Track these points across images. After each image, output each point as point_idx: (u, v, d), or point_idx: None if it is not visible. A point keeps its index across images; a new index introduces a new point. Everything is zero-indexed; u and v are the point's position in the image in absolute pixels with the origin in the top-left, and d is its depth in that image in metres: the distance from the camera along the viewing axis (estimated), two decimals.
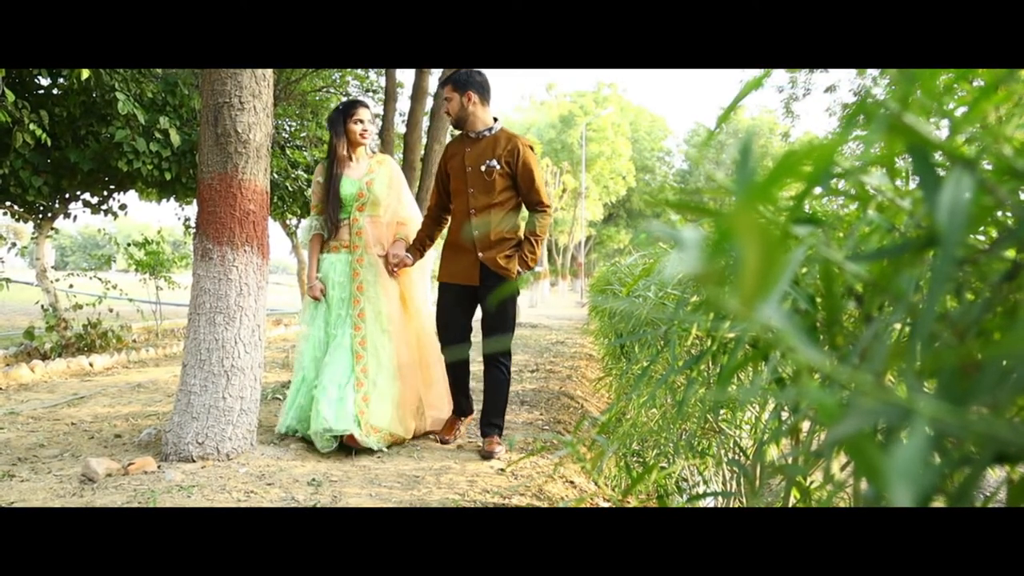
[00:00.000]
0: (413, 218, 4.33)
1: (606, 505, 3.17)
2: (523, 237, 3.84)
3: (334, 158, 4.12)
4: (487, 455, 3.73)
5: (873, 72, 14.10)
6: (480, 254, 3.80)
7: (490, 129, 3.86)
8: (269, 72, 3.76)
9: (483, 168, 3.77)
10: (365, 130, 4.13)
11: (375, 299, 4.06)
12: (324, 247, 4.20)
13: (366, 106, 4.15)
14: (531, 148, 3.86)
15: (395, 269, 4.13)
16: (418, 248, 4.18)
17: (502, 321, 3.88)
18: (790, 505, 1.00)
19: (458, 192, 3.89)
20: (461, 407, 4.20)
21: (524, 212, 3.99)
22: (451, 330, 3.99)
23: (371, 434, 3.80)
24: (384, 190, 4.19)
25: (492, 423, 3.91)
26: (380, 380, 3.95)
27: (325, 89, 11.79)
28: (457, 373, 4.11)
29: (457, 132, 4.04)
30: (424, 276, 4.43)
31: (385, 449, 3.84)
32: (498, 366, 3.93)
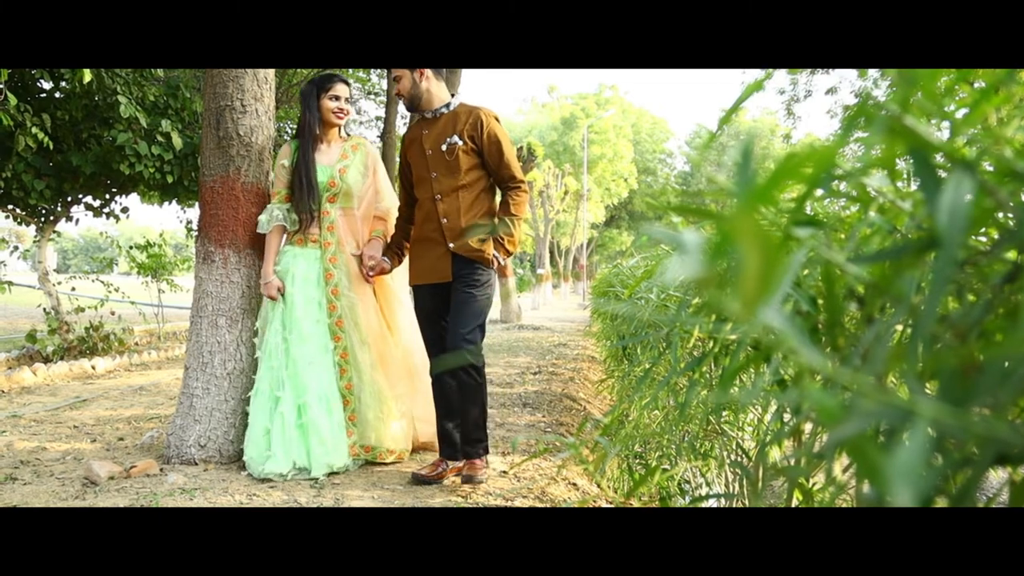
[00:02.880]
0: (390, 211, 3.84)
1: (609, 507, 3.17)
2: (497, 219, 3.34)
3: (307, 139, 3.56)
4: (468, 479, 3.20)
5: (874, 74, 14.10)
6: (450, 244, 3.28)
7: (448, 105, 3.38)
8: (271, 75, 3.77)
9: (444, 147, 3.28)
10: (341, 108, 3.60)
11: (351, 307, 3.58)
12: (287, 239, 3.67)
13: (345, 82, 3.63)
14: (496, 119, 3.37)
15: (371, 274, 3.64)
16: (396, 252, 3.67)
17: (469, 312, 3.24)
18: (792, 506, 1.00)
19: (421, 179, 3.39)
20: (448, 447, 3.39)
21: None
22: (433, 343, 3.45)
23: (361, 455, 3.54)
24: (359, 179, 3.68)
25: (472, 439, 3.28)
26: (364, 396, 3.55)
27: None
28: (446, 397, 3.36)
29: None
30: (403, 284, 3.81)
31: (358, 462, 3.57)
32: (467, 372, 3.25)
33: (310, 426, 3.39)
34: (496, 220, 3.34)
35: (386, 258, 3.64)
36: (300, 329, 3.48)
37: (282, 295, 3.53)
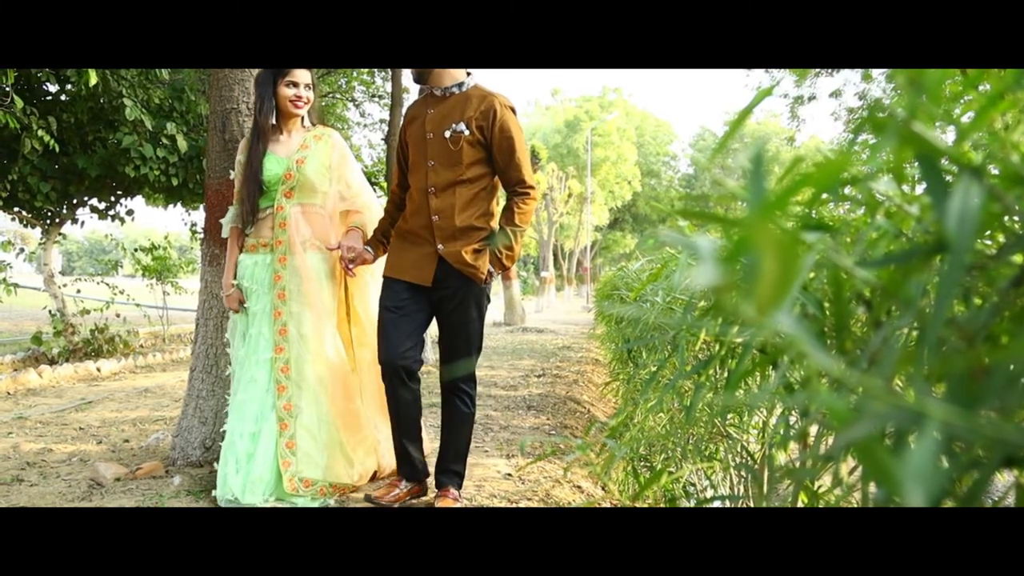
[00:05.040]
0: (368, 205, 3.40)
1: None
2: (498, 227, 2.92)
3: (259, 129, 3.17)
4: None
5: (877, 76, 14.09)
6: (440, 246, 2.87)
7: (460, 85, 2.93)
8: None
9: (447, 134, 2.86)
10: (299, 96, 3.16)
11: (299, 315, 3.11)
12: (243, 246, 3.28)
13: (307, 67, 3.24)
14: (512, 110, 2.94)
15: (350, 267, 3.17)
16: (380, 241, 3.20)
17: (465, 337, 2.94)
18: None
19: (416, 165, 2.97)
20: (406, 465, 3.02)
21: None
22: (392, 342, 2.91)
23: (300, 490, 2.98)
24: (320, 172, 3.23)
25: (450, 470, 2.98)
26: (303, 419, 3.05)
27: (331, 95, 11.83)
28: (401, 410, 2.97)
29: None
30: (379, 284, 3.29)
31: (331, 503, 3.03)
32: (459, 395, 2.96)
33: (225, 459, 3.02)
34: (497, 230, 2.94)
35: (368, 247, 3.19)
36: (249, 343, 3.16)
37: (244, 308, 3.19)
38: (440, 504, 2.89)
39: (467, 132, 2.85)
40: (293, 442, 3.01)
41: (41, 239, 8.04)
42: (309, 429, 3.04)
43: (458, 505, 2.91)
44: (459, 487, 2.98)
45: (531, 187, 2.93)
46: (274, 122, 3.18)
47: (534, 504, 3.03)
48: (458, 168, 2.87)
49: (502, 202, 3.03)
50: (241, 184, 3.21)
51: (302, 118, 3.29)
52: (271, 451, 3.00)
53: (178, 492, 3.08)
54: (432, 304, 2.96)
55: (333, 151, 3.30)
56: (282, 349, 3.09)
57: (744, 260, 0.40)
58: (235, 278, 3.23)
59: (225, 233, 3.32)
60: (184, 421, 3.59)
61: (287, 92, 3.15)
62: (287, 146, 3.23)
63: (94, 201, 8.11)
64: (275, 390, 3.06)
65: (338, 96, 12.17)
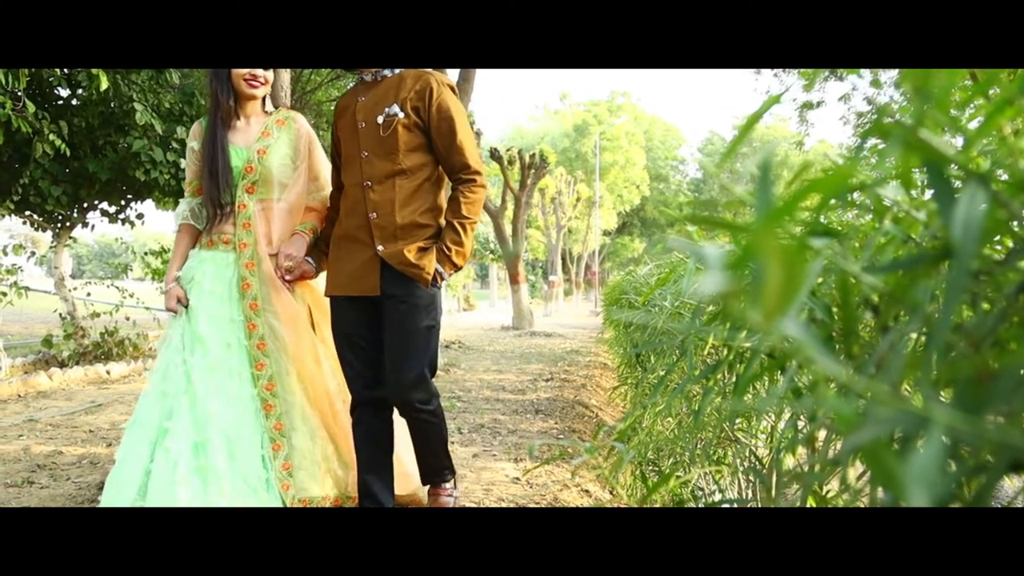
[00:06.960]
0: (327, 203, 3.01)
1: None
2: (444, 222, 2.59)
3: (216, 114, 2.78)
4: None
5: (887, 82, 14.05)
6: (379, 247, 2.52)
7: (392, 67, 2.63)
8: (286, 82, 3.77)
9: (380, 120, 2.53)
10: (255, 75, 2.76)
11: (274, 325, 2.77)
12: (197, 241, 2.90)
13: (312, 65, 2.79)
14: (452, 88, 2.62)
15: (287, 278, 2.80)
16: (323, 252, 2.84)
17: (413, 350, 2.55)
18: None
19: (349, 159, 2.63)
20: (369, 502, 2.69)
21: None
22: (357, 372, 2.65)
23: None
24: (284, 163, 2.87)
25: (440, 466, 2.77)
26: (296, 437, 2.75)
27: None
28: (371, 444, 2.68)
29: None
30: None
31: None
32: (418, 414, 2.60)
33: (210, 472, 2.56)
34: (443, 221, 2.61)
35: (310, 258, 2.84)
36: (205, 350, 2.71)
37: (185, 308, 2.75)
38: (435, 504, 2.76)
39: (401, 114, 2.53)
40: (289, 463, 2.74)
41: (52, 242, 8.09)
42: (303, 447, 2.77)
43: (452, 499, 2.78)
44: (452, 474, 2.81)
45: (477, 172, 2.58)
46: (229, 104, 2.80)
47: (542, 507, 3.03)
48: (394, 156, 2.54)
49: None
50: (197, 176, 2.85)
51: (263, 102, 2.91)
52: (275, 475, 2.74)
53: None
54: (380, 314, 2.61)
55: (300, 138, 2.93)
56: (263, 365, 2.76)
57: (752, 266, 0.40)
58: (179, 272, 2.83)
59: (174, 227, 2.99)
60: None
61: (240, 71, 2.77)
62: (246, 135, 2.86)
63: (104, 205, 8.14)
64: (262, 409, 2.75)
65: None
